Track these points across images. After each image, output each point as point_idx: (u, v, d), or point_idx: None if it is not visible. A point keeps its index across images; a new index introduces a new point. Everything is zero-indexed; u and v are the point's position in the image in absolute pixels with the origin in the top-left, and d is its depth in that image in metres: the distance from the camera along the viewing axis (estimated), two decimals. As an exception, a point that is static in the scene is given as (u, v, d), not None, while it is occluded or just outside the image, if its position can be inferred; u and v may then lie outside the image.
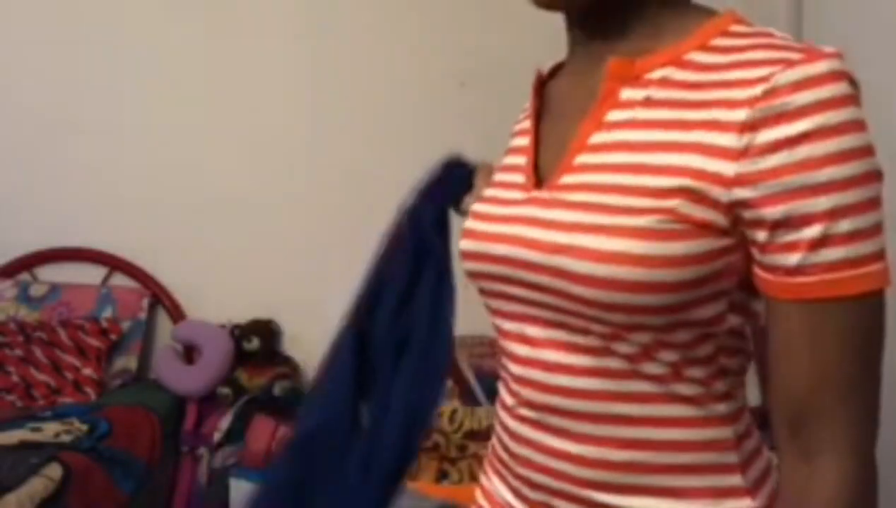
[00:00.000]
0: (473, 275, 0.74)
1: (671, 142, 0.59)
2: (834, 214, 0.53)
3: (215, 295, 2.64)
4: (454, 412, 2.08)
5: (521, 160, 0.74)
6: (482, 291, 0.74)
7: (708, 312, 0.62)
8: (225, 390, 2.46)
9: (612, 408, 0.64)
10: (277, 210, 2.65)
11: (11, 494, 1.64)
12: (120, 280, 2.68)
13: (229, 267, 2.64)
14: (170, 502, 2.37)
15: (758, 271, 0.59)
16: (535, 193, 0.68)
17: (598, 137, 0.64)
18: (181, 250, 2.66)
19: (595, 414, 0.64)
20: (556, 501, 0.68)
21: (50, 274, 2.68)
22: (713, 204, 0.57)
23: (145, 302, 2.61)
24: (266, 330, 2.58)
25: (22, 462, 1.77)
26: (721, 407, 0.65)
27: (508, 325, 0.71)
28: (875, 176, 0.55)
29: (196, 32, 2.66)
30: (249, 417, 2.33)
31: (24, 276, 2.68)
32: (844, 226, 0.54)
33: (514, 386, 0.70)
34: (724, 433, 0.65)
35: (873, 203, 0.55)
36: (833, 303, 0.55)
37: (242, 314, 2.60)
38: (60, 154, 2.68)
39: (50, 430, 2.01)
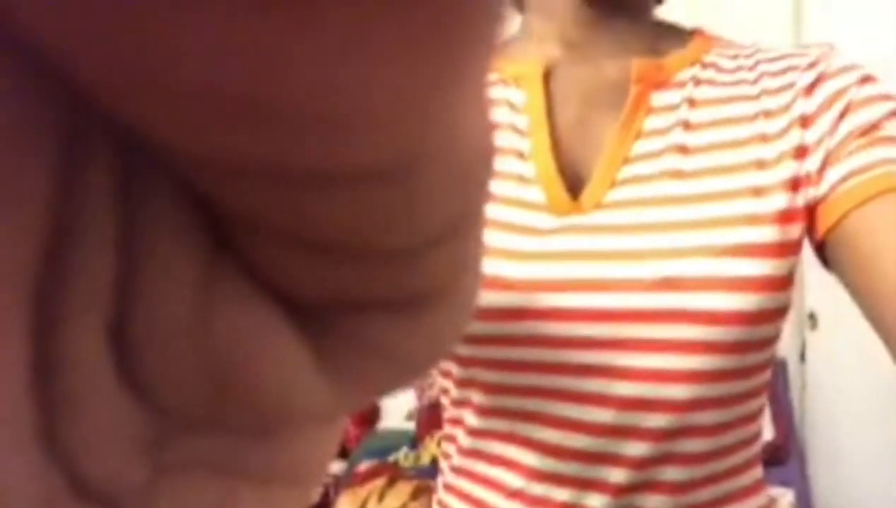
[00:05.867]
0: (485, 341, 0.54)
1: (738, 140, 0.55)
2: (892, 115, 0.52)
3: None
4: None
5: (522, 167, 0.58)
6: (482, 363, 0.56)
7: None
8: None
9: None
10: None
11: None
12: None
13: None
14: None
15: (828, 195, 0.52)
16: (577, 218, 0.55)
17: (641, 146, 0.56)
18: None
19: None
20: None
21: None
22: (805, 180, 0.53)
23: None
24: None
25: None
26: (754, 427, 0.60)
27: (530, 403, 0.55)
28: None
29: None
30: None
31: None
32: None
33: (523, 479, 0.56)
34: (753, 451, 0.60)
35: None
36: None
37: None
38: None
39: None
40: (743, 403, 0.55)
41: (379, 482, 2.07)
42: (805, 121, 0.54)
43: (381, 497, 2.02)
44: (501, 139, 0.59)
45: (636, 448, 0.53)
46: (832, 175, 0.51)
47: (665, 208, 0.53)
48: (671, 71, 0.59)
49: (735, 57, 0.60)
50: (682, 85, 0.58)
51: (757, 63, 0.58)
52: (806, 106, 0.54)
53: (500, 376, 0.56)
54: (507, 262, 0.54)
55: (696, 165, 0.54)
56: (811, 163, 0.53)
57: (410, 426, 2.23)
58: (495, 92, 0.62)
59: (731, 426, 0.55)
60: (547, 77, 0.60)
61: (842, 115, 0.53)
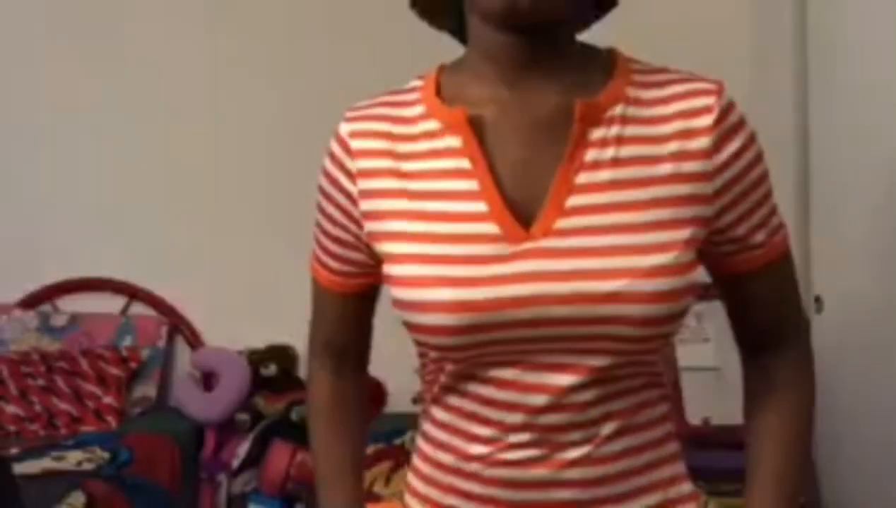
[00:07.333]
0: (465, 348, 0.67)
1: (656, 177, 0.67)
2: (768, 197, 0.72)
3: (233, 322, 2.68)
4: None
5: (474, 206, 0.67)
6: (464, 360, 0.69)
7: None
8: (243, 416, 2.49)
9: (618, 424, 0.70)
10: (293, 238, 2.68)
11: (36, 523, 1.67)
12: (139, 309, 2.72)
13: (247, 293, 2.68)
14: (190, 528, 2.39)
15: (734, 258, 0.72)
16: (531, 244, 0.66)
17: (584, 177, 0.66)
18: (199, 278, 2.70)
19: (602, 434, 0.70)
20: None
21: (70, 304, 2.72)
22: (704, 222, 0.69)
23: (164, 331, 2.65)
24: (283, 356, 2.60)
25: (46, 491, 1.80)
26: (665, 406, 0.74)
27: (505, 373, 0.68)
28: None
29: (200, 55, 2.71)
30: (267, 443, 2.35)
31: (46, 307, 2.72)
32: (772, 203, 0.73)
33: (491, 432, 0.69)
34: (668, 426, 0.75)
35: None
36: (784, 259, 0.74)
37: (260, 340, 2.63)
38: (78, 187, 2.75)
39: (72, 459, 2.04)
40: (651, 365, 0.72)
41: (385, 465, 2.09)
42: (710, 175, 0.68)
43: (387, 480, 2.04)
44: (452, 183, 0.68)
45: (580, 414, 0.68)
46: (735, 229, 0.70)
47: (603, 237, 0.65)
48: (603, 108, 0.68)
49: (648, 87, 0.69)
50: (611, 122, 0.68)
51: (670, 98, 0.69)
52: (714, 160, 0.68)
53: (465, 367, 0.70)
54: (465, 290, 0.65)
55: (627, 198, 0.66)
56: (713, 208, 0.68)
57: (417, 410, 2.25)
58: (441, 142, 0.69)
59: (644, 380, 0.72)
60: (472, 121, 0.68)
61: (737, 178, 0.69)
